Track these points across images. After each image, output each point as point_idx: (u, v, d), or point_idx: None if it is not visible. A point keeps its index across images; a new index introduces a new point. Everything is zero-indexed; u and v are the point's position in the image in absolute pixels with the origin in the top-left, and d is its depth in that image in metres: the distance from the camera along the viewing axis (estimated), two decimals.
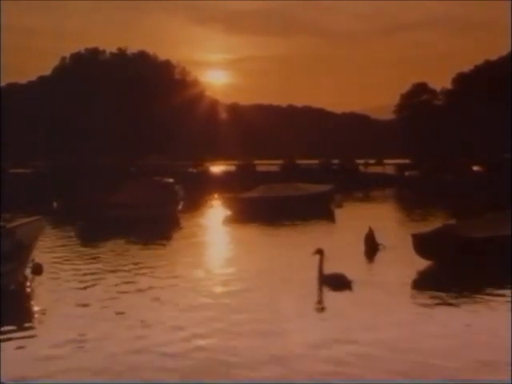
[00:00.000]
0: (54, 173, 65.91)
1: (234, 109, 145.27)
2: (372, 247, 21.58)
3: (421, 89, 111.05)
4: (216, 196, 47.94)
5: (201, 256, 21.84)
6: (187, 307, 13.69)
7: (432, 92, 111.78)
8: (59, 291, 15.43)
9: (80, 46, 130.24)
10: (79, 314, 13.17)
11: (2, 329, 12.07)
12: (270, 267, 18.29)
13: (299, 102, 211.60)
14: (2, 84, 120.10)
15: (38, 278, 16.56)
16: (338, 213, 36.87)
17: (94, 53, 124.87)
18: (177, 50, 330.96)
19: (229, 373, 9.64)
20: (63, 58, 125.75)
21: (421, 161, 77.25)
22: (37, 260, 17.25)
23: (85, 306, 13.98)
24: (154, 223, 30.38)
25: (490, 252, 17.73)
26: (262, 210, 34.89)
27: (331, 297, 14.75)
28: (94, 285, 16.27)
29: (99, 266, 19.24)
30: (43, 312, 13.65)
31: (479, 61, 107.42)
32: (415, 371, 9.65)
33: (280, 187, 39.77)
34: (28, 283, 16.33)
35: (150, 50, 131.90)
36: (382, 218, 34.43)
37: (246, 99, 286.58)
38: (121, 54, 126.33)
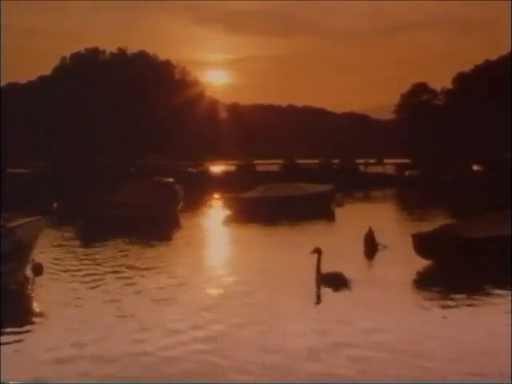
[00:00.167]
0: (53, 173, 65.90)
1: (234, 109, 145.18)
2: (371, 247, 21.61)
3: (421, 89, 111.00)
4: (216, 196, 47.96)
5: (201, 256, 21.83)
6: (187, 307, 13.69)
7: (432, 92, 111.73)
8: (59, 291, 15.43)
9: (80, 46, 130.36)
10: (79, 315, 13.17)
11: (2, 329, 12.07)
12: (270, 267, 18.29)
13: (299, 102, 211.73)
14: (2, 84, 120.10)
15: (38, 278, 16.57)
16: (338, 213, 36.86)
17: (94, 53, 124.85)
18: (177, 50, 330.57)
19: (228, 375, 9.65)
20: (63, 58, 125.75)
21: (421, 161, 77.18)
22: (37, 260, 17.26)
23: (85, 306, 13.98)
24: (153, 223, 30.37)
25: (489, 252, 17.73)
26: (262, 209, 34.89)
27: (330, 296, 14.77)
28: (94, 285, 16.27)
29: (99, 265, 19.24)
30: (43, 312, 13.65)
31: (479, 61, 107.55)
32: (415, 371, 9.65)
33: (280, 187, 39.76)
34: (28, 283, 16.34)
35: (150, 50, 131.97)
36: (382, 217, 34.45)
37: (246, 99, 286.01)
38: (121, 54, 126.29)
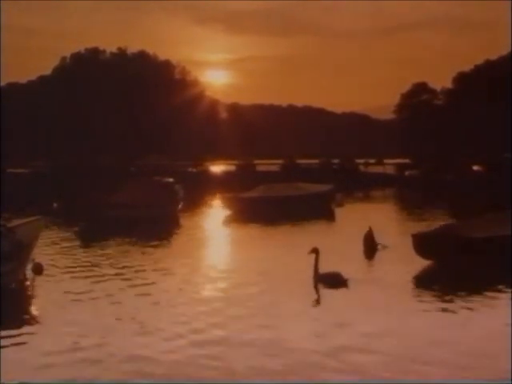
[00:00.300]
0: (53, 173, 65.95)
1: (234, 109, 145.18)
2: (371, 247, 21.62)
3: (421, 88, 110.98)
4: (216, 196, 47.94)
5: (201, 256, 21.84)
6: (187, 308, 13.69)
7: (432, 92, 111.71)
8: (59, 291, 15.43)
9: (80, 46, 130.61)
10: (79, 315, 13.17)
11: (2, 329, 12.06)
12: (270, 267, 18.29)
13: (299, 102, 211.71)
14: (2, 84, 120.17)
15: (38, 278, 16.57)
16: (338, 213, 36.86)
17: (94, 53, 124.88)
18: (177, 50, 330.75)
19: (228, 374, 9.65)
20: (63, 58, 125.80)
21: (421, 161, 77.20)
22: (37, 260, 17.28)
23: (85, 306, 13.98)
24: (154, 223, 30.38)
25: (490, 252, 17.73)
26: (262, 209, 34.90)
27: (329, 296, 14.77)
28: (94, 285, 16.26)
29: (99, 266, 19.23)
30: (43, 312, 13.64)
31: (479, 61, 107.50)
32: (414, 371, 9.65)
33: (280, 187, 39.77)
34: (28, 283, 16.34)
35: (150, 49, 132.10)
36: (382, 217, 34.43)
37: (246, 99, 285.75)
38: (121, 54, 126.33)
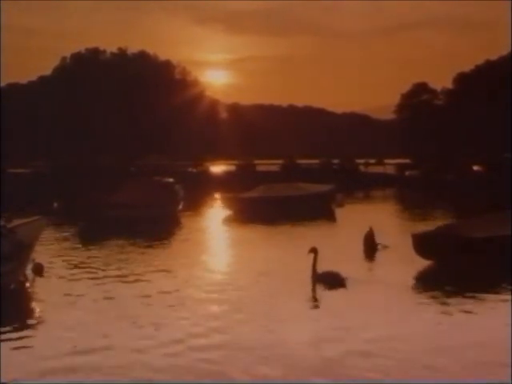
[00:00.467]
0: (54, 173, 65.94)
1: (234, 109, 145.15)
2: (371, 247, 21.64)
3: (421, 89, 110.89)
4: (216, 196, 47.94)
5: (201, 256, 21.82)
6: (187, 308, 13.69)
7: (432, 92, 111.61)
8: (59, 291, 15.43)
9: (80, 46, 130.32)
10: (79, 315, 13.17)
11: (2, 329, 12.06)
12: (270, 267, 18.29)
13: (300, 102, 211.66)
14: (2, 84, 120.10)
15: (38, 278, 16.57)
16: (339, 213, 36.87)
17: (94, 53, 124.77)
18: (177, 50, 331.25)
19: (227, 374, 9.66)
20: (63, 58, 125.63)
21: (421, 161, 77.19)
22: (37, 260, 17.27)
23: (85, 306, 13.98)
24: (154, 223, 30.38)
25: (490, 252, 17.74)
26: (262, 209, 34.90)
27: (329, 296, 14.77)
28: (94, 285, 16.27)
29: (99, 266, 19.23)
30: (43, 312, 13.64)
31: (480, 60, 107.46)
32: (414, 371, 9.65)
33: (280, 187, 39.77)
34: (28, 283, 16.34)
35: (150, 50, 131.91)
36: (382, 217, 34.43)
37: (246, 99, 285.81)
38: (121, 54, 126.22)
